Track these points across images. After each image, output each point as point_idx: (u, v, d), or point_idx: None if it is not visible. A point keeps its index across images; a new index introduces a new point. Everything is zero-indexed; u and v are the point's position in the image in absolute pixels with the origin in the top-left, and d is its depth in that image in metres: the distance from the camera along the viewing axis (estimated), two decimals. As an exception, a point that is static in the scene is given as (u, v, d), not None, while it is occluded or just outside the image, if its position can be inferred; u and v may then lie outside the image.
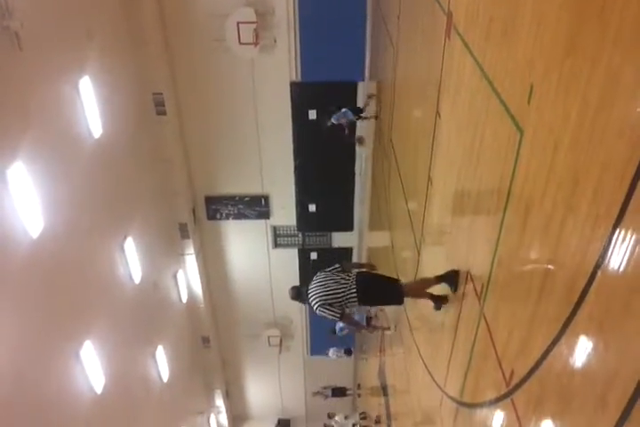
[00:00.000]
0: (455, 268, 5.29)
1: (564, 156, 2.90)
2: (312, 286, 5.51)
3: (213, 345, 17.90)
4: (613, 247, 2.39)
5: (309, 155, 14.88)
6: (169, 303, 14.59)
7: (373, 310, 12.61)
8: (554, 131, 3.03)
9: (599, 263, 2.49)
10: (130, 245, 11.17)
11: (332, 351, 17.53)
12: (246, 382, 20.46)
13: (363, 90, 14.08)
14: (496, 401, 3.93)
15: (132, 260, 11.25)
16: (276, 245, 17.04)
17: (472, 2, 4.77)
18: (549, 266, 3.08)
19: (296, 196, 15.72)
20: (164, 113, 13.03)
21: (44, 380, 7.82)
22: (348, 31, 13.60)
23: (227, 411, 20.00)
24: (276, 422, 21.32)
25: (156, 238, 13.30)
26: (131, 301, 11.29)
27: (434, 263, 6.42)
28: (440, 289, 5.69)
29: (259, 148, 14.91)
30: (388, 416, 11.81)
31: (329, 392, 18.86)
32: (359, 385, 19.07)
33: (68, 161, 8.64)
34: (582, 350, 2.65)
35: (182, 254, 15.31)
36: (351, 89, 14.16)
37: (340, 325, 13.19)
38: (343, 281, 5.43)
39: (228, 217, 16.13)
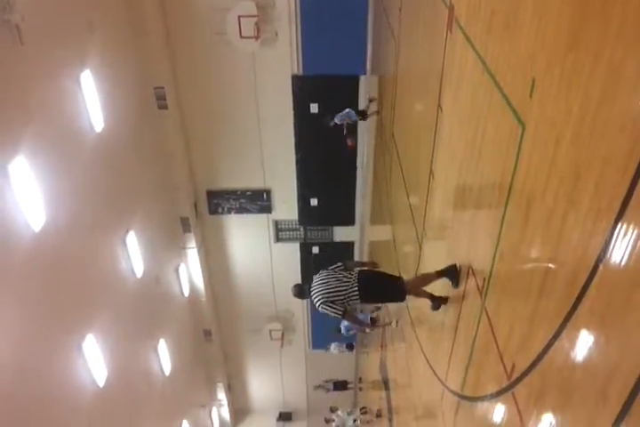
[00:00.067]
0: (456, 262, 5.30)
1: (566, 150, 2.90)
2: (314, 283, 5.57)
3: (215, 339, 17.96)
4: (615, 241, 2.39)
5: (311, 149, 14.88)
6: (171, 297, 14.63)
7: (377, 312, 12.63)
8: (556, 125, 3.02)
9: (601, 257, 2.49)
10: (132, 239, 11.19)
11: (333, 346, 17.57)
12: (248, 375, 20.54)
13: (364, 83, 14.04)
14: (497, 395, 3.93)
15: (133, 254, 11.27)
16: (278, 239, 17.05)
17: (474, -5, 4.75)
18: (551, 260, 3.08)
19: (298, 190, 15.72)
20: (165, 107, 13.02)
21: (46, 373, 7.86)
22: (350, 24, 13.55)
23: (228, 404, 20.11)
24: (277, 415, 21.42)
25: (158, 232, 13.32)
26: (133, 294, 11.32)
27: (435, 257, 6.43)
28: (440, 289, 5.71)
29: (260, 142, 14.91)
30: (390, 410, 11.84)
31: (330, 386, 18.93)
32: (360, 379, 19.12)
33: (69, 155, 8.63)
34: (583, 343, 2.66)
35: (184, 248, 15.34)
36: (353, 82, 14.15)
37: (344, 323, 13.19)
38: (345, 279, 5.48)
39: (229, 211, 16.14)
